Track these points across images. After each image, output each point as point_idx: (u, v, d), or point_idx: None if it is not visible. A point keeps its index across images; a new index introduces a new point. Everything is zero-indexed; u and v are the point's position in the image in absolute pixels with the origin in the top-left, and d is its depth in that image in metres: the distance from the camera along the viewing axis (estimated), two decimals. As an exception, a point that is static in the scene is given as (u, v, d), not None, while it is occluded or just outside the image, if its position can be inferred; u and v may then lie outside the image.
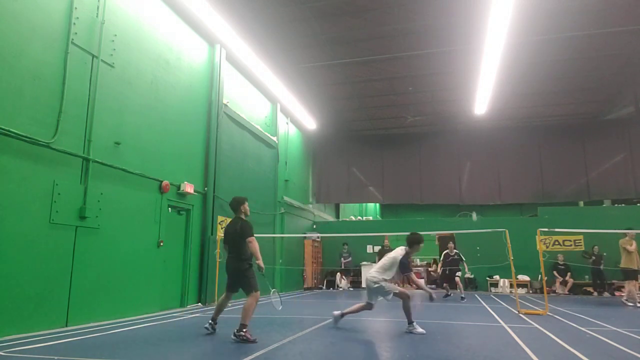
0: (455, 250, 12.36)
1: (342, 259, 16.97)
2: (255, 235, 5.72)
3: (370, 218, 26.07)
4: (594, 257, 14.16)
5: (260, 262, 5.59)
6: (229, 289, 5.93)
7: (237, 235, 5.70)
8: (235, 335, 5.34)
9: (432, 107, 17.25)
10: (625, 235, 10.56)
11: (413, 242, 6.52)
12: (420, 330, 6.08)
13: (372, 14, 10.83)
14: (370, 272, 6.61)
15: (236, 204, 5.93)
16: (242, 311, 5.47)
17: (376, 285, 6.36)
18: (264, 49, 12.03)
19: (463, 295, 11.97)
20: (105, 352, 4.78)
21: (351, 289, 16.56)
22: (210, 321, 5.96)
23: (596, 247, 14.21)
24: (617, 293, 13.93)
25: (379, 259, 7.39)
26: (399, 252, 6.52)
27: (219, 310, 6.06)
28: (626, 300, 10.53)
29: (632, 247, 10.33)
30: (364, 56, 12.93)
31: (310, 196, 19.57)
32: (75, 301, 6.58)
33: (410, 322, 6.18)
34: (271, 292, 6.82)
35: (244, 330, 5.32)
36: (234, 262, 5.73)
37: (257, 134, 13.51)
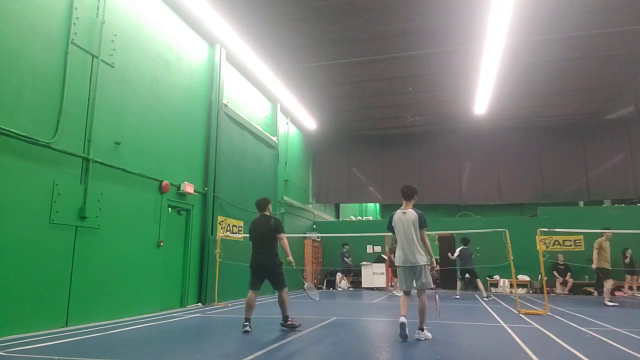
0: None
1: (345, 259, 16.81)
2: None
3: (370, 218, 26.06)
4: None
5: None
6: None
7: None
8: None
9: (432, 107, 17.24)
10: (602, 235, 10.87)
11: (414, 191, 5.74)
12: (428, 335, 5.55)
13: (372, 14, 10.82)
14: (409, 247, 5.67)
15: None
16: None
17: (422, 265, 5.65)
18: (264, 49, 12.03)
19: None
20: (105, 352, 4.78)
21: (351, 289, 16.55)
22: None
23: None
24: (617, 293, 13.92)
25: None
26: (413, 212, 5.68)
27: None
28: (609, 301, 10.46)
29: (606, 243, 10.74)
30: (364, 56, 12.93)
31: (310, 196, 19.57)
32: (75, 301, 6.58)
33: (422, 328, 5.63)
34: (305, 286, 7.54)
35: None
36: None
37: (257, 134, 13.51)
